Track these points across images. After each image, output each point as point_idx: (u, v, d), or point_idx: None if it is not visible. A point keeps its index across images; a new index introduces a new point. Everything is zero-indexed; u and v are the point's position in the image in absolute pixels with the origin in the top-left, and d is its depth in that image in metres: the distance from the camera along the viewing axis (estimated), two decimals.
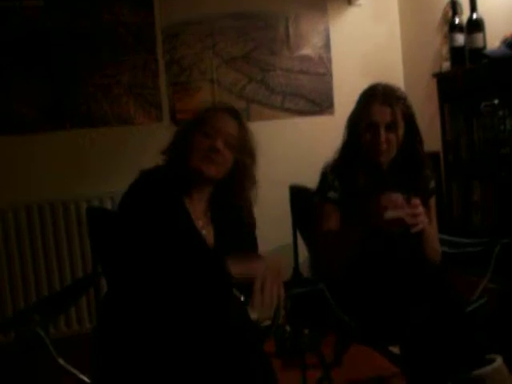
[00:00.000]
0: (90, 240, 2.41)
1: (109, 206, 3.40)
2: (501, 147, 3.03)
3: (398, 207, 1.90)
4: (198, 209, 1.97)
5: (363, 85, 4.02)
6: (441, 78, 3.49)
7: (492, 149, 3.09)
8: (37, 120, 3.44)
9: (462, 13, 3.43)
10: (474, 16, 3.25)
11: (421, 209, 1.94)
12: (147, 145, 3.38)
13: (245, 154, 1.99)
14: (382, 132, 2.10)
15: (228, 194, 2.00)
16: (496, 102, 3.03)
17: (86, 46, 3.52)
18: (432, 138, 3.51)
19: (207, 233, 1.97)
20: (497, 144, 3.05)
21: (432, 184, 2.31)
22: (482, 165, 3.18)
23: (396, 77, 4.21)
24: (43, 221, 3.38)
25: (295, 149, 3.92)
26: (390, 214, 1.90)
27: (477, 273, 2.62)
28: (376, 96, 2.17)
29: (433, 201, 2.32)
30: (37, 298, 3.32)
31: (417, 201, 1.94)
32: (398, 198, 1.92)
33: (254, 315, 3.20)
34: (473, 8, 3.25)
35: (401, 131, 2.14)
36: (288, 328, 3.21)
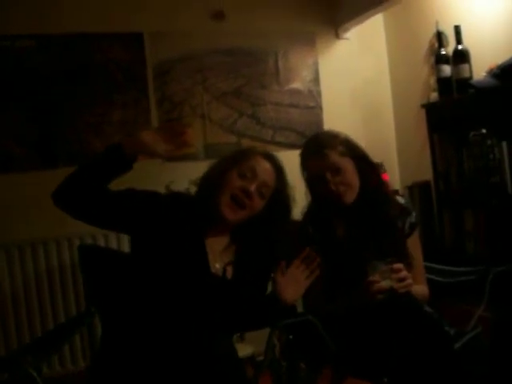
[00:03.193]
0: (83, 277, 2.39)
1: (102, 243, 3.39)
2: (491, 176, 3.06)
3: (385, 278, 1.97)
4: (218, 243, 1.95)
5: (353, 117, 4.14)
6: (429, 109, 3.53)
7: (482, 177, 3.12)
8: (28, 158, 3.43)
9: (447, 44, 3.49)
10: (460, 47, 3.31)
11: (405, 272, 1.99)
12: (139, 181, 3.38)
13: (278, 202, 1.98)
14: (329, 177, 2.10)
15: (251, 232, 1.98)
16: (484, 131, 3.07)
17: (77, 84, 3.53)
18: (423, 167, 3.54)
19: (219, 267, 1.94)
20: (487, 172, 3.08)
21: (412, 217, 2.26)
22: (472, 193, 3.20)
23: (385, 108, 4.27)
24: (36, 259, 3.35)
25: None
26: (378, 288, 1.97)
27: (471, 302, 2.62)
28: (310, 148, 2.20)
29: (416, 235, 2.28)
30: (30, 337, 3.28)
31: (399, 265, 1.98)
32: (382, 268, 1.99)
33: (248, 350, 3.18)
34: (458, 39, 3.32)
35: (350, 169, 2.14)
36: (284, 363, 3.18)
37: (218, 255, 1.93)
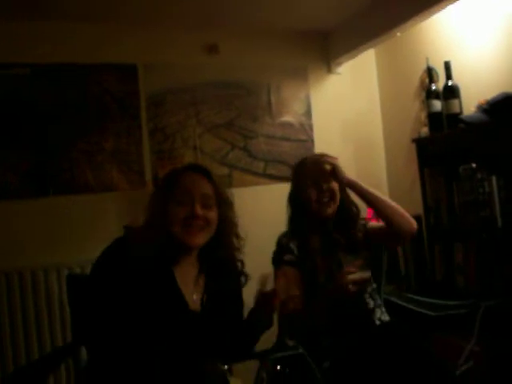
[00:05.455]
0: (70, 307, 2.34)
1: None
2: (481, 209, 3.06)
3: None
4: (188, 274, 1.91)
5: (344, 150, 4.16)
6: (420, 143, 3.55)
7: (472, 211, 3.13)
8: (19, 186, 3.41)
9: (438, 80, 3.54)
10: (450, 83, 3.35)
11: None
12: (130, 211, 3.38)
13: (224, 207, 1.95)
14: (323, 184, 2.36)
15: (217, 249, 1.95)
16: (474, 165, 3.09)
17: (70, 113, 3.55)
18: (413, 201, 3.54)
19: (197, 298, 1.92)
20: (476, 206, 3.09)
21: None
22: (463, 227, 3.21)
23: (376, 142, 4.30)
24: (23, 288, 3.31)
25: (279, 215, 3.91)
26: (351, 278, 2.12)
27: (461, 336, 2.61)
28: (307, 159, 2.51)
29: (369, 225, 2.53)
30: (14, 366, 3.22)
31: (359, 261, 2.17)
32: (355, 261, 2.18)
33: (236, 382, 3.13)
34: (448, 75, 3.35)
35: (336, 189, 2.39)
36: None
37: (193, 286, 1.91)
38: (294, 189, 2.51)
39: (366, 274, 2.16)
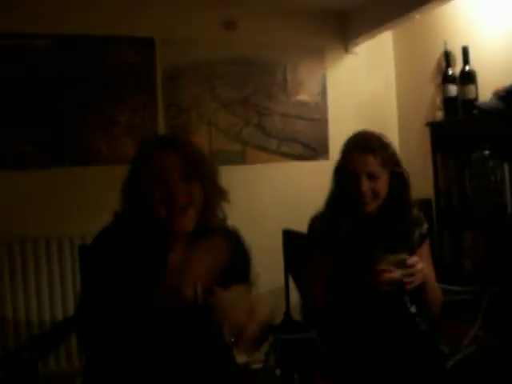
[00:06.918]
0: (81, 277, 2.36)
1: None
2: (491, 196, 3.08)
3: (395, 269, 1.93)
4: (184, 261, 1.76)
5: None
6: (434, 127, 3.55)
7: (483, 197, 3.14)
8: (35, 156, 3.47)
9: (455, 64, 3.52)
10: (467, 68, 3.34)
11: (419, 266, 1.95)
12: None
13: (206, 178, 1.73)
14: (364, 182, 2.07)
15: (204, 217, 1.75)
16: (487, 152, 3.09)
17: (88, 85, 3.58)
18: (424, 185, 3.56)
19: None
20: (487, 193, 3.10)
21: (423, 229, 2.23)
22: (473, 213, 3.22)
23: (390, 124, 4.29)
24: (37, 256, 3.38)
25: (290, 193, 3.96)
26: (388, 277, 1.92)
27: (467, 320, 2.64)
28: (357, 145, 2.14)
29: (426, 245, 2.24)
30: (28, 334, 3.30)
31: (414, 259, 1.96)
32: (396, 257, 1.95)
33: (243, 358, 3.19)
34: (465, 60, 3.34)
35: (384, 179, 2.12)
36: (278, 372, 3.20)
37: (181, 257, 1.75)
38: (336, 168, 2.22)
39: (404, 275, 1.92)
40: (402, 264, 1.93)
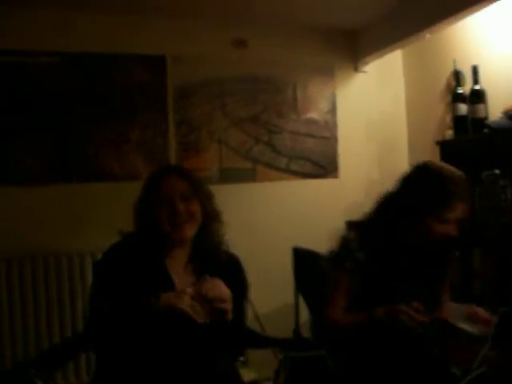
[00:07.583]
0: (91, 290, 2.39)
1: None
2: (501, 216, 3.07)
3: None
4: (179, 266, 1.99)
5: (368, 149, 4.19)
6: (444, 146, 3.55)
7: (493, 217, 3.13)
8: (43, 172, 3.49)
9: (464, 83, 3.53)
10: (477, 87, 3.34)
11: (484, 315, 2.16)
12: None
13: (204, 198, 2.02)
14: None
15: (205, 239, 2.03)
16: (497, 171, 3.09)
17: (97, 102, 3.61)
18: None
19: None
20: (498, 212, 3.09)
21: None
22: (482, 232, 3.21)
23: (400, 143, 4.30)
24: (47, 272, 3.39)
25: (300, 211, 3.96)
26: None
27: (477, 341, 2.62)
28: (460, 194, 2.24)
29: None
30: (37, 351, 3.30)
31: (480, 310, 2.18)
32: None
33: (251, 375, 3.18)
34: (475, 79, 3.35)
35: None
36: None
37: (187, 278, 1.97)
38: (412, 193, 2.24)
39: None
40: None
